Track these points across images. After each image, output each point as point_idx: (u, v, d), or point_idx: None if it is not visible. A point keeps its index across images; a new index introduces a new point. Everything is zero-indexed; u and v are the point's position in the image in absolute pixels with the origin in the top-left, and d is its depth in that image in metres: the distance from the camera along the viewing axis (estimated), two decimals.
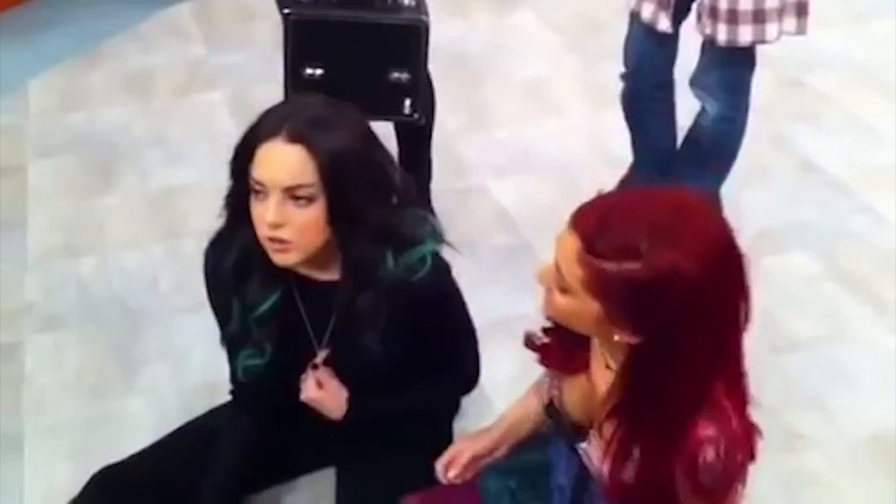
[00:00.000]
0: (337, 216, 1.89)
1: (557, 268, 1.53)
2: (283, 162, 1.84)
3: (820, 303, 3.14)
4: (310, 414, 2.16)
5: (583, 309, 1.52)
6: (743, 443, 1.57)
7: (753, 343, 3.07)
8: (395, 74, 2.86)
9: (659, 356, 1.50)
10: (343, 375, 2.15)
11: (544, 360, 1.85)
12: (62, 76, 4.48)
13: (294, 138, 1.84)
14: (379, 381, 2.11)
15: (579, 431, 1.80)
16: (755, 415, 2.65)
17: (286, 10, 2.84)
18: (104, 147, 3.97)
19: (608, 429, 1.62)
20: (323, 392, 2.12)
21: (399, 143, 3.27)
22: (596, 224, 1.48)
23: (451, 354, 2.22)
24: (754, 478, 2.44)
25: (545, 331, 1.81)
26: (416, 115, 2.92)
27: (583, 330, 1.62)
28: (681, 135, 3.30)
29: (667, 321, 1.46)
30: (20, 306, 3.20)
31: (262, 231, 1.89)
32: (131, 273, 3.32)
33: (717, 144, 3.17)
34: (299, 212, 1.87)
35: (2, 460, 2.69)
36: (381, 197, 1.95)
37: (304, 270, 2.03)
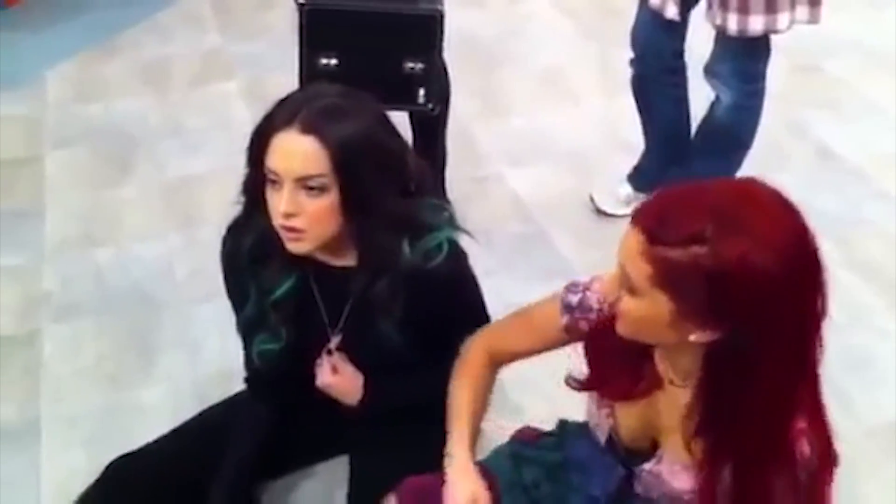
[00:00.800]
0: (350, 205, 1.89)
1: (623, 270, 1.48)
2: (296, 152, 1.85)
3: (836, 291, 3.12)
4: (325, 401, 2.17)
5: (655, 309, 1.46)
6: (829, 438, 1.54)
7: None
8: (410, 64, 2.86)
9: (737, 354, 1.43)
10: (357, 361, 2.15)
11: (605, 393, 1.77)
12: (79, 67, 4.49)
13: (307, 129, 1.84)
14: (393, 367, 2.11)
15: (634, 454, 1.77)
16: None
17: (300, 0, 2.84)
18: (120, 137, 3.99)
19: (697, 446, 1.56)
20: (338, 377, 2.13)
21: (413, 131, 3.27)
22: (657, 216, 1.44)
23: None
24: None
25: (592, 362, 1.75)
26: (430, 105, 2.92)
27: (656, 336, 1.54)
28: (695, 124, 3.29)
29: (742, 313, 1.40)
30: (38, 296, 3.22)
31: (277, 220, 1.90)
32: (148, 262, 3.33)
33: (732, 133, 3.16)
34: (312, 201, 1.87)
35: (19, 448, 2.71)
36: (395, 186, 1.95)
37: (320, 256, 2.04)
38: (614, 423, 1.78)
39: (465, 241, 2.09)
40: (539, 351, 1.93)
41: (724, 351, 1.44)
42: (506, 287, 2.94)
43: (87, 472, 2.27)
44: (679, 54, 3.18)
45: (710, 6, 2.89)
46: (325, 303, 2.11)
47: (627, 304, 1.51)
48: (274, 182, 1.88)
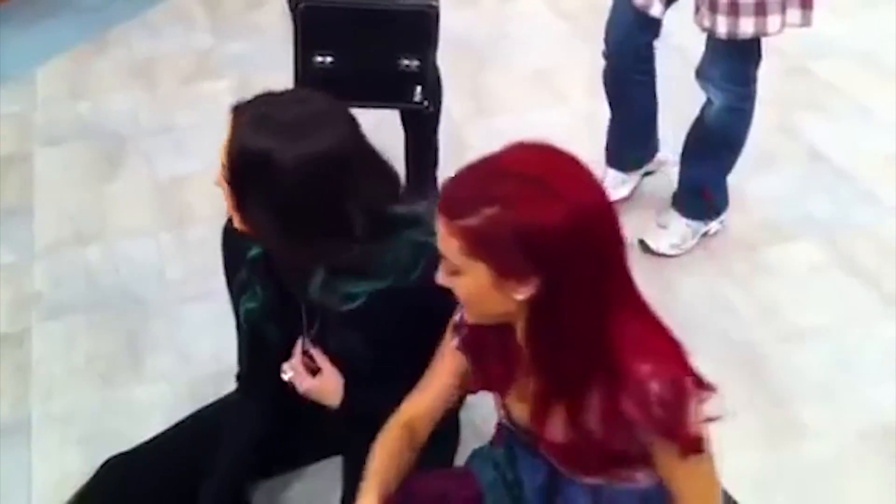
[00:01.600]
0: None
1: (443, 257, 1.56)
2: None
3: (826, 292, 3.14)
4: (311, 403, 2.16)
5: (478, 280, 1.53)
6: (684, 368, 1.58)
7: (759, 334, 3.07)
8: (405, 62, 2.86)
9: (552, 300, 1.52)
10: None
11: (490, 389, 1.83)
12: (69, 64, 4.48)
13: None
14: (366, 375, 2.09)
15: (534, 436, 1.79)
16: (763, 404, 2.66)
17: None
18: (111, 135, 3.98)
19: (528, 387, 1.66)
20: (316, 381, 2.11)
21: (405, 129, 3.27)
22: (450, 194, 1.54)
23: None
24: (763, 467, 2.44)
25: (474, 362, 1.81)
26: (425, 103, 2.92)
27: (492, 307, 1.59)
28: (686, 126, 3.29)
29: (549, 260, 1.49)
30: (28, 295, 3.22)
31: None
32: (138, 261, 3.33)
33: (723, 135, 3.16)
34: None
35: (10, 447, 2.70)
36: (339, 211, 1.86)
37: None
38: (507, 412, 1.83)
39: None
40: (457, 387, 1.94)
41: (539, 295, 1.52)
42: None
43: (78, 471, 2.27)
44: (651, 44, 3.20)
45: (697, 9, 2.89)
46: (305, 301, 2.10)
47: (458, 287, 1.58)
48: None
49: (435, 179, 3.38)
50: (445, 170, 3.43)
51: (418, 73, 2.88)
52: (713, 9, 2.81)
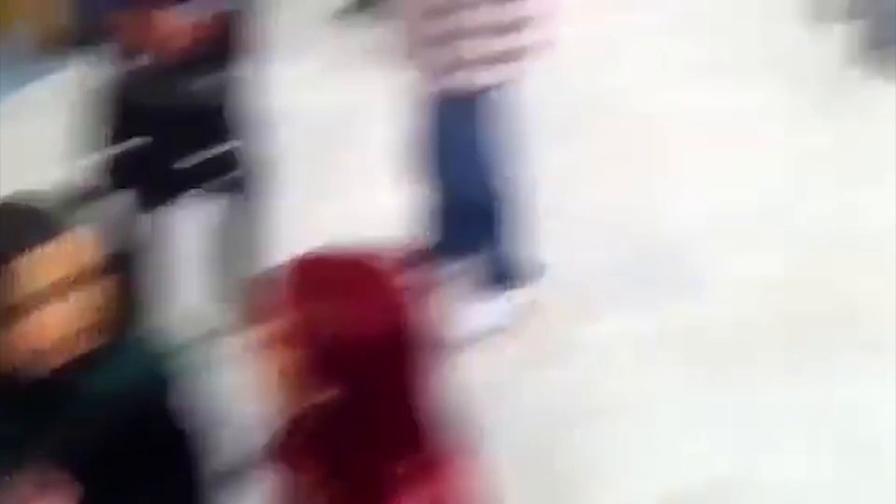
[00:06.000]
0: None
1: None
2: None
3: None
4: None
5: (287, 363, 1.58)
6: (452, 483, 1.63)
7: None
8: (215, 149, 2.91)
9: (347, 407, 1.57)
10: None
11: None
12: None
13: None
14: None
15: None
16: None
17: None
18: None
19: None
20: None
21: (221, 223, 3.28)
22: (296, 281, 1.59)
23: None
24: None
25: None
26: (239, 186, 2.98)
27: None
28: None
29: (349, 369, 1.56)
30: None
31: None
32: None
33: None
34: None
35: None
36: None
37: None
38: None
39: None
40: None
41: (337, 406, 1.57)
42: None
43: None
44: None
45: None
46: None
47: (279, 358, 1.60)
48: None
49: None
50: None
51: (227, 159, 2.94)
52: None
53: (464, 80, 2.88)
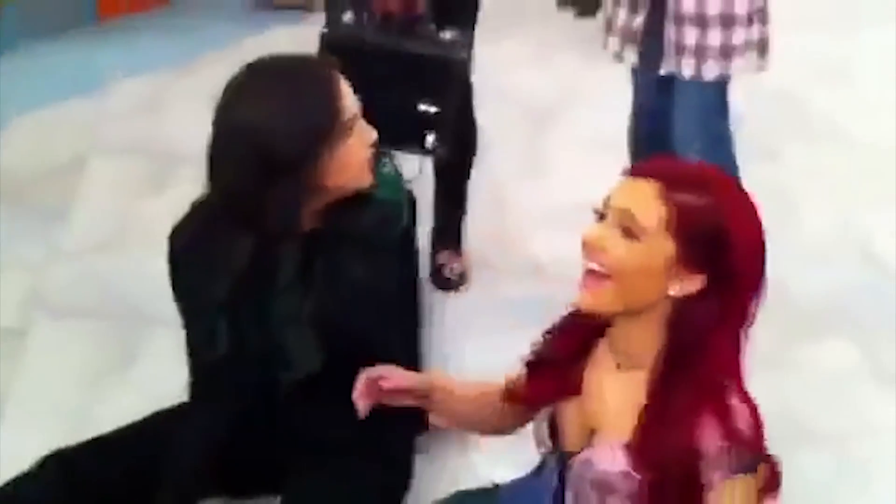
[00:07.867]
0: None
1: (626, 215, 1.59)
2: None
3: None
4: (264, 426, 2.18)
5: (652, 254, 1.58)
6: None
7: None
8: (423, 107, 2.82)
9: (709, 308, 1.59)
10: None
11: (535, 401, 1.84)
12: (149, 83, 4.59)
13: None
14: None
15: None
16: None
17: (322, 29, 2.84)
18: (167, 155, 4.02)
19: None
20: None
21: (435, 176, 3.23)
22: (670, 168, 1.68)
23: None
24: None
25: (531, 376, 1.83)
26: (438, 152, 2.86)
27: (635, 290, 1.61)
28: None
29: (729, 269, 1.58)
30: (39, 293, 3.25)
31: None
32: (155, 278, 3.32)
33: None
34: None
35: None
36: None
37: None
38: (557, 435, 1.80)
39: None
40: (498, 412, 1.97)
41: (698, 300, 1.60)
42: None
43: None
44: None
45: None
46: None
47: (621, 252, 1.59)
48: None
49: (459, 229, 3.33)
50: (481, 223, 3.39)
51: (436, 120, 2.83)
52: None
53: (719, 68, 2.77)
